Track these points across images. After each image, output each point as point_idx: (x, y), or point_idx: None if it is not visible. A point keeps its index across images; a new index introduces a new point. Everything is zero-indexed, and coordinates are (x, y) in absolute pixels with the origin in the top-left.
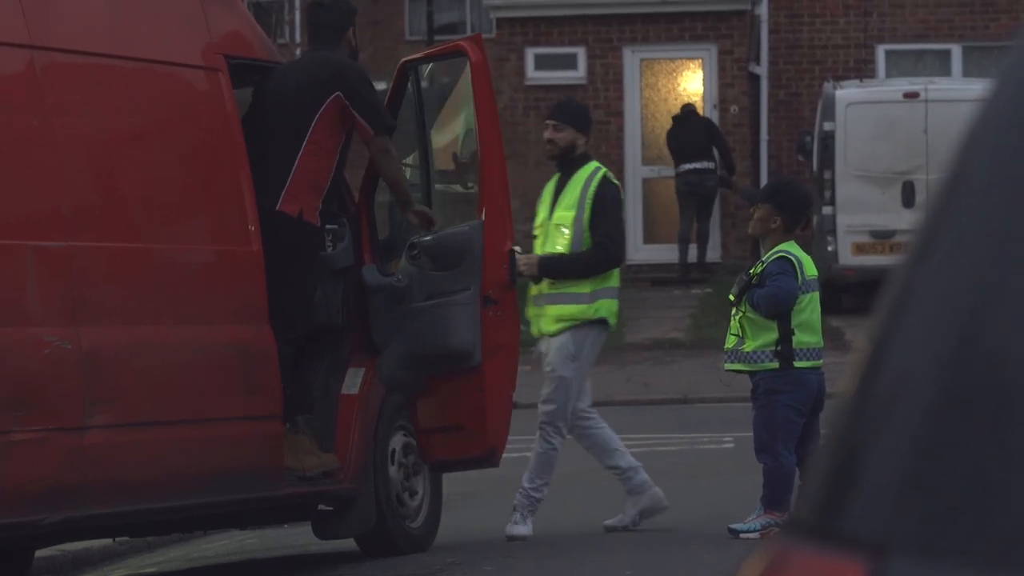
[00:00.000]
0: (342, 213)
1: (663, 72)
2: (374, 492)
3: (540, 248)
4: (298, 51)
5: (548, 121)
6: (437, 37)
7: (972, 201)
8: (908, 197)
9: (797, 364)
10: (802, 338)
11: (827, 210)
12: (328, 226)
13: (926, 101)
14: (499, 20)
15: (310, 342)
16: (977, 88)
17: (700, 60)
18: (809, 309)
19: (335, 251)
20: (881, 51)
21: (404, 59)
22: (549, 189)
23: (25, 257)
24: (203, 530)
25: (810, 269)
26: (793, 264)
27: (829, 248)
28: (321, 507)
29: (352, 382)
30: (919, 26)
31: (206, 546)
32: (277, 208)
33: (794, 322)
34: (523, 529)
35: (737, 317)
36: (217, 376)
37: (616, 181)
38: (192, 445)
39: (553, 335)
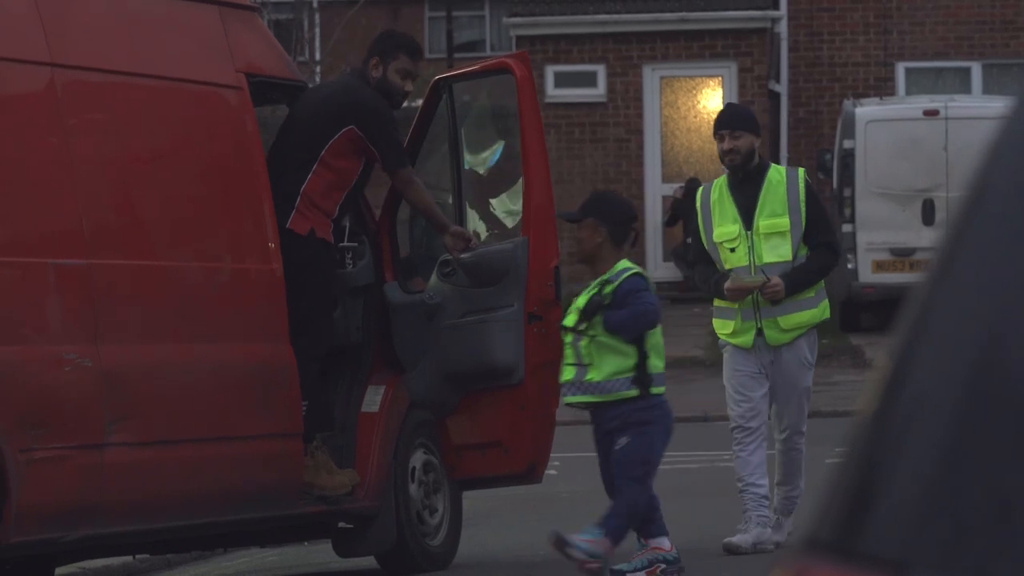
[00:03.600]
0: (363, 231)
1: (683, 90)
2: (394, 510)
3: (744, 259)
4: (318, 68)
5: (721, 132)
6: (457, 55)
7: (993, 218)
8: (928, 215)
9: (653, 390)
10: (655, 362)
11: (847, 228)
12: (348, 244)
13: (946, 119)
14: (519, 38)
15: (330, 360)
16: (997, 105)
17: (720, 78)
18: (658, 332)
19: (355, 269)
20: (901, 69)
21: (437, 77)
22: (723, 199)
23: (45, 275)
24: (223, 547)
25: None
26: (647, 281)
27: (849, 266)
28: (341, 525)
29: (372, 400)
30: (939, 44)
31: (226, 563)
32: (287, 226)
33: (646, 345)
34: (779, 536)
35: (583, 344)
36: (236, 394)
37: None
38: (212, 463)
39: (787, 344)
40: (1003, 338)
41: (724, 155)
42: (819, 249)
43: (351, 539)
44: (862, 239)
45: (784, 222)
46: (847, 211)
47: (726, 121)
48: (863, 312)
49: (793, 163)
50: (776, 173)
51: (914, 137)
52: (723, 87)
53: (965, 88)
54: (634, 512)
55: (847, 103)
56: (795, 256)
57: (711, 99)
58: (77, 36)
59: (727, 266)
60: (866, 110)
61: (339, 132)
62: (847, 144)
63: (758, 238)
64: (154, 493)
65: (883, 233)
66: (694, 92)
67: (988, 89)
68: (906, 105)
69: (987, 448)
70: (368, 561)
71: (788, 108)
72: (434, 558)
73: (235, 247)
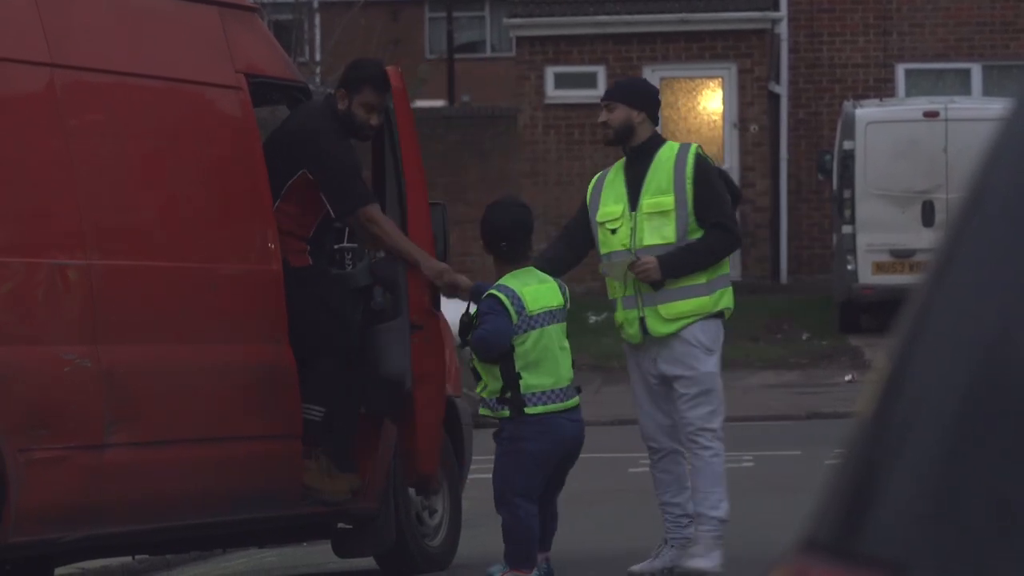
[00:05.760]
0: None
1: (683, 91)
2: (394, 511)
3: (625, 241)
4: (318, 69)
5: (601, 103)
6: (457, 56)
7: (992, 220)
8: (928, 216)
9: (529, 410)
10: (531, 381)
11: (847, 229)
12: (347, 245)
13: (946, 120)
14: (519, 39)
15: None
16: (997, 107)
17: (720, 79)
18: (538, 348)
19: (355, 270)
20: (901, 70)
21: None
22: (617, 179)
23: (45, 275)
24: (222, 548)
25: (539, 301)
26: (502, 302)
27: (849, 267)
28: (341, 525)
29: None
30: (939, 45)
31: (225, 564)
32: None
33: (519, 365)
34: (707, 562)
35: (471, 361)
36: (236, 395)
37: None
38: (211, 464)
39: (668, 335)
40: (1002, 339)
41: (600, 128)
42: (711, 230)
43: (351, 540)
44: (862, 240)
45: (668, 200)
46: (847, 212)
47: (605, 93)
48: (862, 313)
49: (793, 165)
50: (668, 149)
51: (914, 138)
52: (723, 88)
53: (965, 90)
54: (514, 535)
55: (847, 104)
56: (681, 239)
57: (711, 100)
58: (77, 36)
59: (603, 250)
60: (866, 111)
61: (295, 175)
62: (847, 145)
63: (641, 218)
64: (153, 494)
65: (883, 234)
66: (694, 93)
67: (988, 91)
68: (906, 106)
69: (986, 448)
70: (367, 562)
71: (788, 109)
72: (433, 559)
73: (235, 248)
